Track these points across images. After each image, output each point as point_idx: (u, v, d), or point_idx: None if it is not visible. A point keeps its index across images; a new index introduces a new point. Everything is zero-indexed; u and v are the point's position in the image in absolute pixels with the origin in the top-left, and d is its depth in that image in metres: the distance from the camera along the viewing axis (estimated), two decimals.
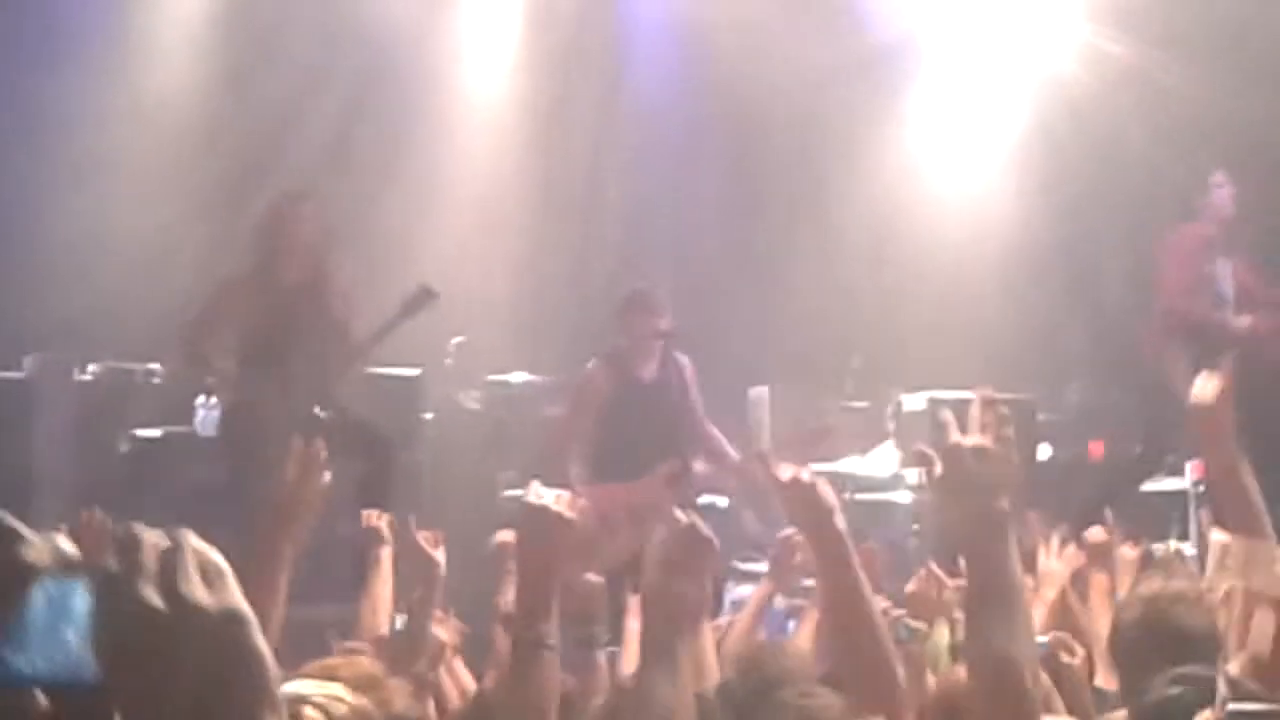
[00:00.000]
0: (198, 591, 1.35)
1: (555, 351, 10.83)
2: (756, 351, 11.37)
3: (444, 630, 5.19)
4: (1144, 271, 11.06)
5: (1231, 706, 2.98)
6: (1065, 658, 4.63)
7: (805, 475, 3.34)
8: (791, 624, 8.91)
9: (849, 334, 11.36)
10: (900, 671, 3.35)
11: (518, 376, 10.99)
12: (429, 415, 10.44)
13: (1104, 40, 11.30)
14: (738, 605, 8.96)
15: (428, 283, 8.44)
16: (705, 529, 3.27)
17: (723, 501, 9.68)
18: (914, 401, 10.53)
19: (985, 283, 11.11)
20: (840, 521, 3.32)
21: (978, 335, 10.77)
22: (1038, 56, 11.61)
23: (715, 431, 8.90)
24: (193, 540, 1.39)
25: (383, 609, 5.27)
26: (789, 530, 5.87)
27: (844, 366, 11.19)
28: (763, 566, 9.49)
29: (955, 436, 2.73)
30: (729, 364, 10.33)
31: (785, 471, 3.33)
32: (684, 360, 8.60)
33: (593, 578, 4.87)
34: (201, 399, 9.72)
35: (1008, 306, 11.08)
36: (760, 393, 11.18)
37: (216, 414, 8.97)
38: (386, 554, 5.44)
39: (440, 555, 5.32)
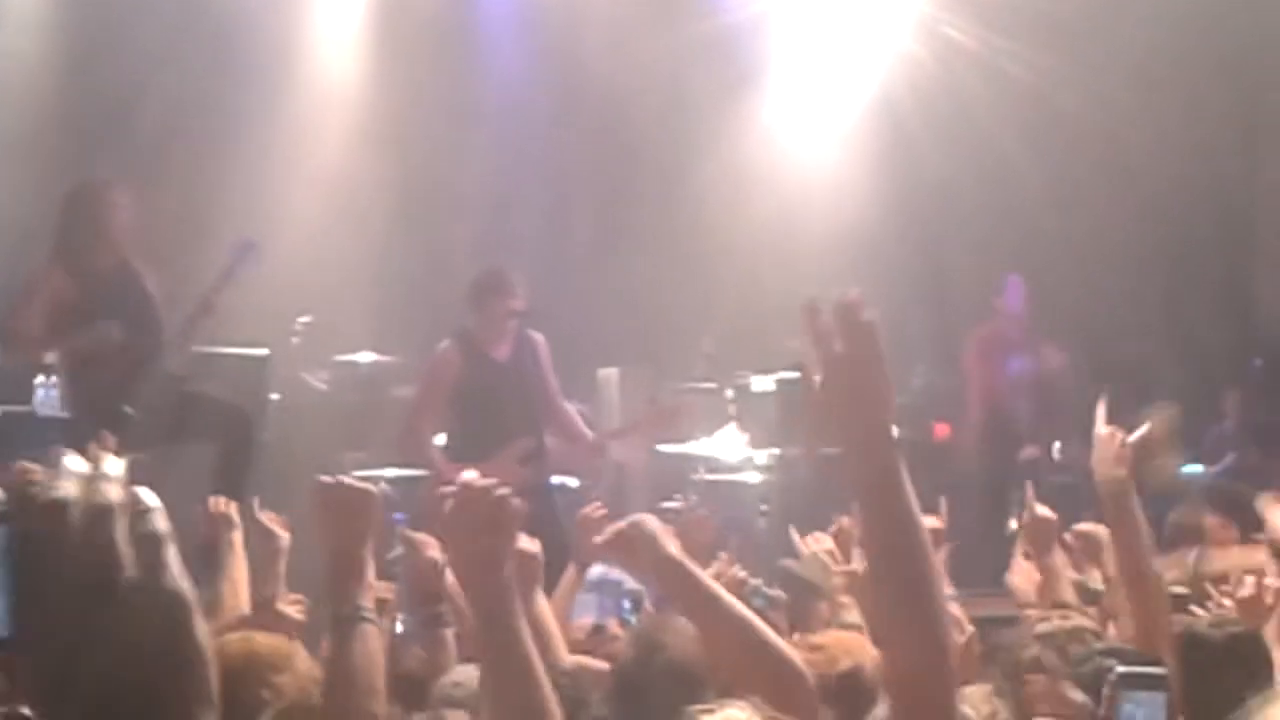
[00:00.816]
0: (130, 568, 1.27)
1: (404, 332, 10.76)
2: (607, 332, 11.39)
3: (293, 610, 5.20)
4: (989, 254, 11.27)
5: (1120, 669, 3.13)
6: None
7: (620, 526, 3.25)
8: (626, 604, 8.99)
9: (700, 316, 11.41)
10: (799, 667, 3.31)
11: (366, 357, 10.90)
12: (276, 395, 10.32)
13: (948, 26, 11.45)
14: (597, 584, 8.99)
15: (248, 235, 8.39)
16: (498, 490, 2.92)
17: (574, 482, 9.67)
18: (762, 383, 10.61)
19: (834, 265, 11.20)
20: (670, 547, 3.25)
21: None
22: (885, 37, 11.73)
23: (570, 409, 8.90)
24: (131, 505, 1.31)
25: (242, 590, 5.34)
26: (586, 510, 5.92)
27: (695, 348, 11.24)
28: None
29: (836, 346, 2.45)
30: (580, 344, 10.33)
31: (601, 536, 3.24)
32: (538, 338, 8.60)
33: (435, 555, 4.87)
34: (40, 378, 9.52)
35: (856, 289, 11.18)
36: (610, 373, 11.21)
37: (55, 393, 8.80)
38: (238, 537, 5.54)
39: (283, 533, 5.48)
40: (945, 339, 11.58)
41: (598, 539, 3.21)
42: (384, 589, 5.24)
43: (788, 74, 12.06)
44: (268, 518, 5.58)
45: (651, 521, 3.28)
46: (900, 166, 11.55)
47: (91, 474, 1.34)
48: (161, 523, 1.36)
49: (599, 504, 6.05)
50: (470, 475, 2.91)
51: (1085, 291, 11.50)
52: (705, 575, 3.23)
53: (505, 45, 11.92)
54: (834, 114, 11.97)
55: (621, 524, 3.25)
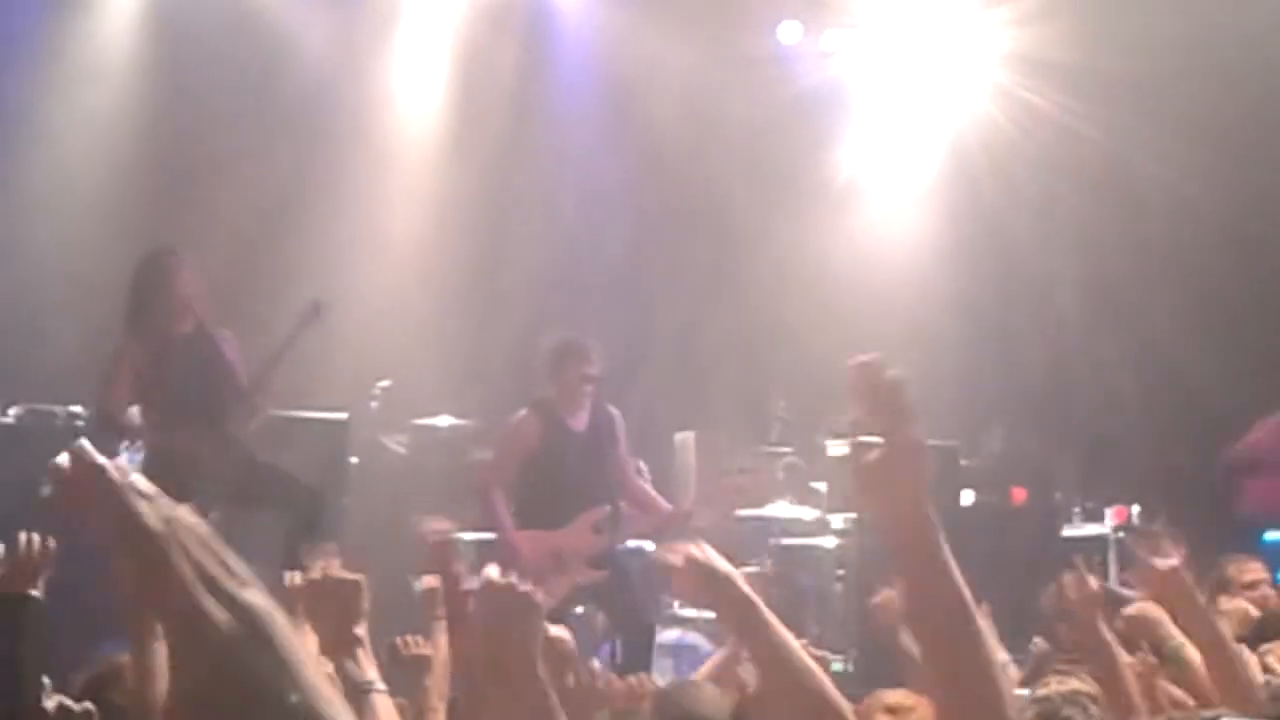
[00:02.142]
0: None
1: (482, 397, 10.83)
2: (683, 397, 11.42)
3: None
4: (1061, 318, 11.22)
5: None
6: None
7: (691, 553, 3.18)
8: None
9: (775, 379, 11.43)
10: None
11: (443, 420, 10.98)
12: (355, 459, 10.41)
13: (1024, 90, 11.47)
14: (664, 649, 9.00)
15: (317, 297, 8.46)
16: (520, 586, 2.94)
17: (650, 545, 9.70)
18: (837, 447, 10.61)
19: (909, 328, 11.20)
20: (741, 584, 3.24)
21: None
22: (958, 103, 11.76)
23: (641, 484, 8.95)
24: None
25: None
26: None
27: (770, 412, 11.25)
28: (694, 610, 9.58)
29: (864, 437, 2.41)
30: (656, 409, 10.37)
31: (673, 557, 3.17)
32: (614, 412, 8.64)
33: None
34: (125, 443, 9.66)
35: (931, 353, 11.17)
36: (686, 438, 11.22)
37: (140, 458, 8.92)
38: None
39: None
40: (1021, 401, 11.54)
41: (670, 558, 3.15)
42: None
43: (864, 137, 12.11)
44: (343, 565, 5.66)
45: (718, 559, 3.26)
46: (974, 228, 11.54)
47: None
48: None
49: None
50: (492, 572, 2.95)
51: (1166, 350, 11.39)
52: (775, 620, 3.20)
53: (583, 112, 12.01)
54: (910, 176, 12.00)
55: (695, 552, 3.19)
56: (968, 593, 2.42)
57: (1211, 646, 4.70)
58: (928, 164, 11.95)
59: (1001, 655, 4.73)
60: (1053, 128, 11.26)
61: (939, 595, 2.40)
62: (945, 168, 11.80)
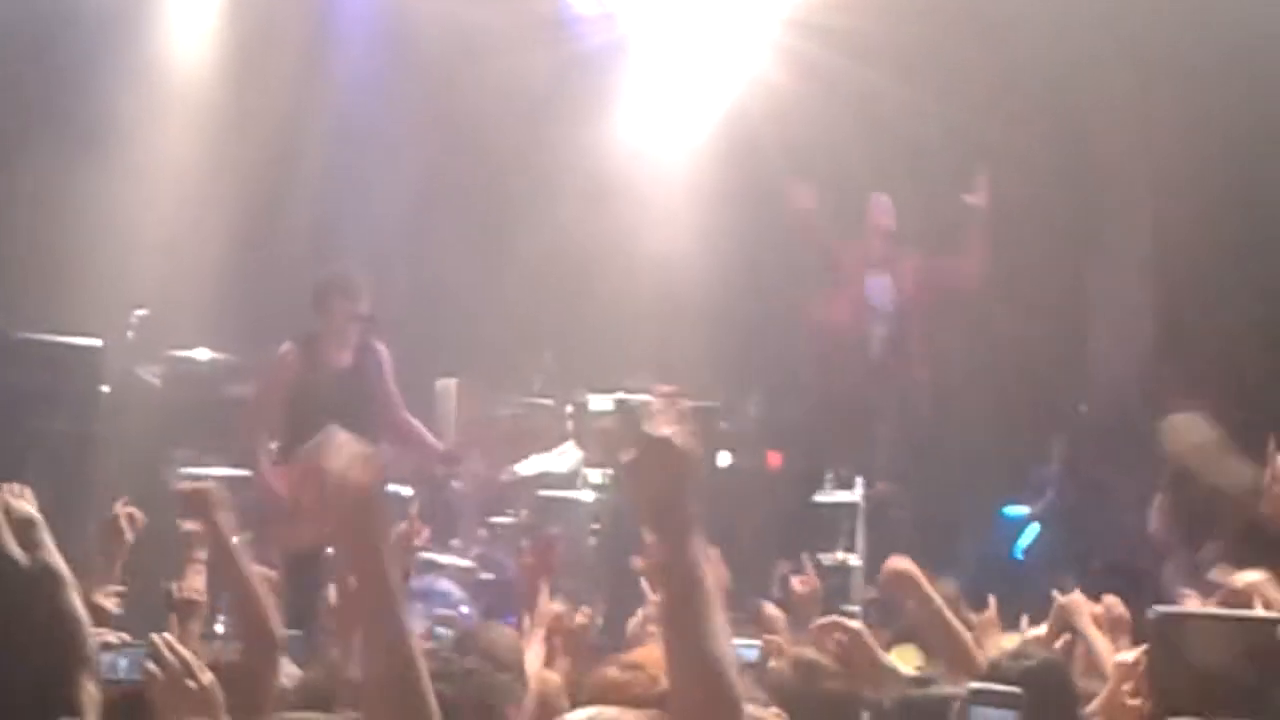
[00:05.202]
0: (11, 546, 1.34)
1: (243, 331, 10.64)
2: (446, 342, 11.36)
3: (109, 601, 5.36)
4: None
5: (972, 685, 3.24)
6: None
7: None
8: (464, 608, 9.00)
9: (540, 331, 11.42)
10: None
11: (202, 353, 10.76)
12: (106, 388, 10.15)
13: (804, 46, 11.50)
14: (414, 594, 8.96)
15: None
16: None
17: (406, 490, 9.64)
18: (600, 402, 10.66)
19: (677, 289, 11.26)
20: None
21: (665, 340, 10.92)
22: (737, 59, 11.80)
23: (414, 420, 8.86)
24: (5, 495, 1.40)
25: None
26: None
27: (534, 363, 11.24)
28: (447, 557, 9.55)
29: (648, 427, 2.71)
30: (418, 353, 10.29)
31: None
32: (380, 348, 8.55)
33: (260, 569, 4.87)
34: None
35: (697, 314, 11.26)
36: (447, 385, 11.17)
37: None
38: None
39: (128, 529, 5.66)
40: (781, 369, 11.67)
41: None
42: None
43: (644, 95, 12.12)
44: (122, 511, 5.71)
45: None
46: (750, 185, 11.59)
47: None
48: (34, 509, 1.46)
49: (420, 525, 6.07)
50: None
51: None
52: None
53: (363, 48, 11.85)
54: (686, 135, 12.02)
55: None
56: (704, 561, 2.68)
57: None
58: (708, 129, 11.99)
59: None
60: (838, 92, 11.32)
61: (679, 576, 2.66)
62: (726, 132, 11.85)
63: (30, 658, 1.34)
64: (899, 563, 5.80)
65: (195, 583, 5.35)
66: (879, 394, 10.84)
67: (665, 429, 2.69)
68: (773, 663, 4.93)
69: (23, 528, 1.39)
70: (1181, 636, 1.71)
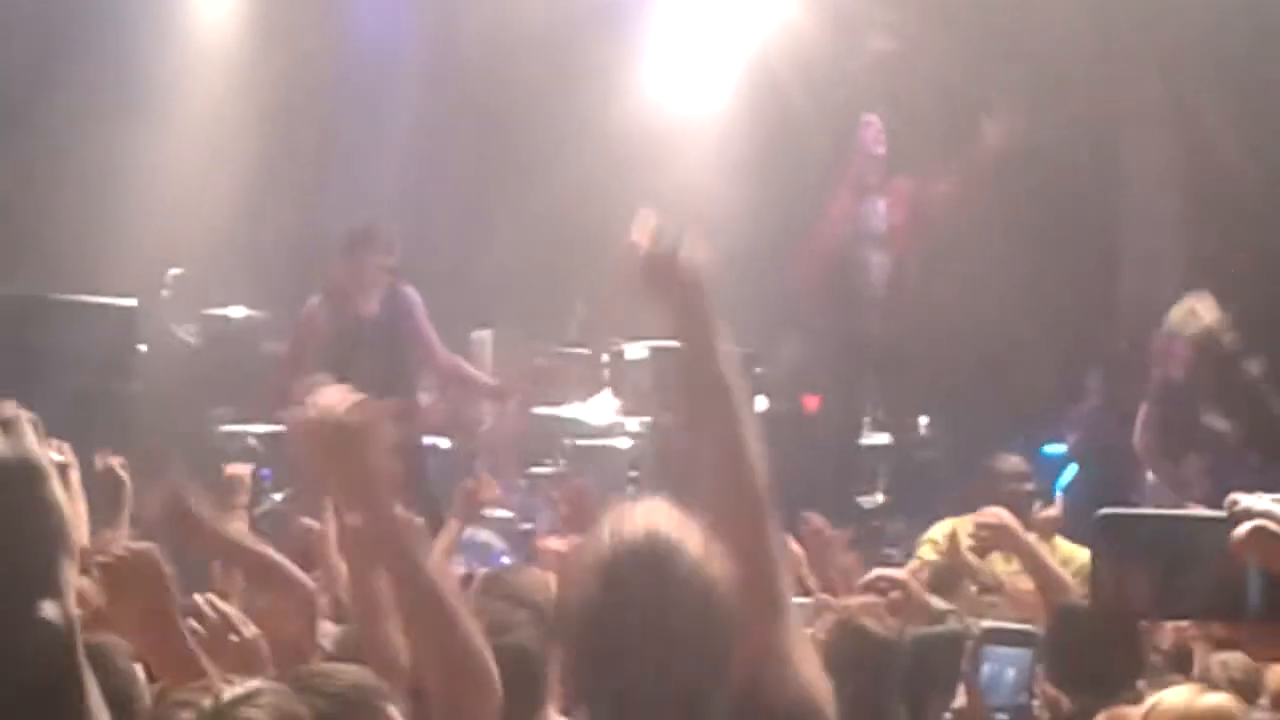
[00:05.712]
0: None
1: (277, 287, 10.68)
2: (481, 293, 11.37)
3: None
4: None
5: (985, 623, 3.27)
6: None
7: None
8: (505, 559, 9.01)
9: (574, 280, 11.41)
10: None
11: (236, 311, 10.81)
12: (143, 347, 10.22)
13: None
14: (466, 546, 9.00)
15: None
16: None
17: (445, 443, 9.68)
18: (635, 350, 10.66)
19: (708, 234, 11.22)
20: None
21: None
22: (766, 11, 11.75)
23: (457, 359, 8.86)
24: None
25: (82, 524, 5.45)
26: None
27: (568, 312, 11.24)
28: (500, 512, 9.59)
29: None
30: (453, 305, 10.31)
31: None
32: (410, 293, 8.56)
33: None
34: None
35: (729, 261, 11.21)
36: (483, 335, 11.19)
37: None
38: (75, 475, 5.63)
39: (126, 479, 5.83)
40: (814, 313, 11.62)
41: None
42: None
43: (671, 40, 12.07)
44: (115, 463, 5.86)
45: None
46: (778, 138, 11.56)
47: None
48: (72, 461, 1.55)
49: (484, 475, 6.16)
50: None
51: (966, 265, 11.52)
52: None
53: (387, 8, 11.85)
54: (714, 81, 11.97)
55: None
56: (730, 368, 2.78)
57: None
58: (735, 73, 11.94)
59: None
60: (863, 38, 11.27)
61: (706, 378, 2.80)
62: (753, 77, 11.80)
63: (11, 545, 1.42)
64: (992, 515, 5.33)
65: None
66: (889, 326, 10.77)
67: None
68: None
69: (6, 422, 1.46)
70: (1129, 537, 1.71)
